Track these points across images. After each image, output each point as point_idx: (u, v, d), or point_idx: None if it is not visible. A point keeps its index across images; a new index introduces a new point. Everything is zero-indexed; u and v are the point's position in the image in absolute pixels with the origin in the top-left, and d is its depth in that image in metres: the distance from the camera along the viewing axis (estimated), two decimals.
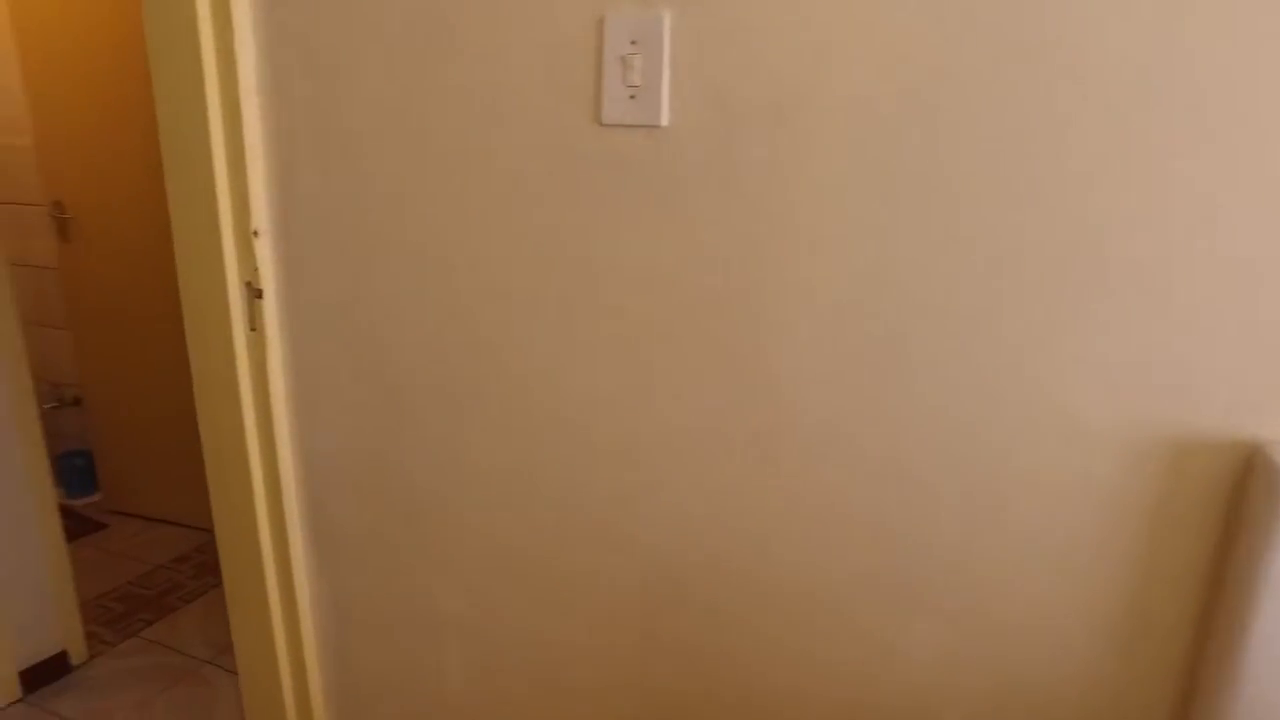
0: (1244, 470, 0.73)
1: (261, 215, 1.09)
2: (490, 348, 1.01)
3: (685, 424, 0.93)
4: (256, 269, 1.10)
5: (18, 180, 2.81)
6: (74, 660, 2.09)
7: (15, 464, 1.91)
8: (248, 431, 1.16)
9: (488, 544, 1.09)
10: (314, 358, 1.12)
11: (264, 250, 1.10)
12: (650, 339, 0.92)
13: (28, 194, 2.81)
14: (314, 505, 1.19)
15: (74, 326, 2.79)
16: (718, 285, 0.88)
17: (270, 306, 1.11)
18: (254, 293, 1.11)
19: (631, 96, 0.87)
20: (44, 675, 2.02)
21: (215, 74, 1.04)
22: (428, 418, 1.07)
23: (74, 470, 2.99)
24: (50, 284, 2.90)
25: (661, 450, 0.95)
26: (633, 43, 0.85)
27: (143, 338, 2.66)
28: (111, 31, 2.38)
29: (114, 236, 2.59)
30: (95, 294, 2.69)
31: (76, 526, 2.82)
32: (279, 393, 1.15)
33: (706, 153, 0.85)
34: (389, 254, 1.03)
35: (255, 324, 1.12)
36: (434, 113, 0.96)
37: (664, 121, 0.86)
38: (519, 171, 0.93)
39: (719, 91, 0.83)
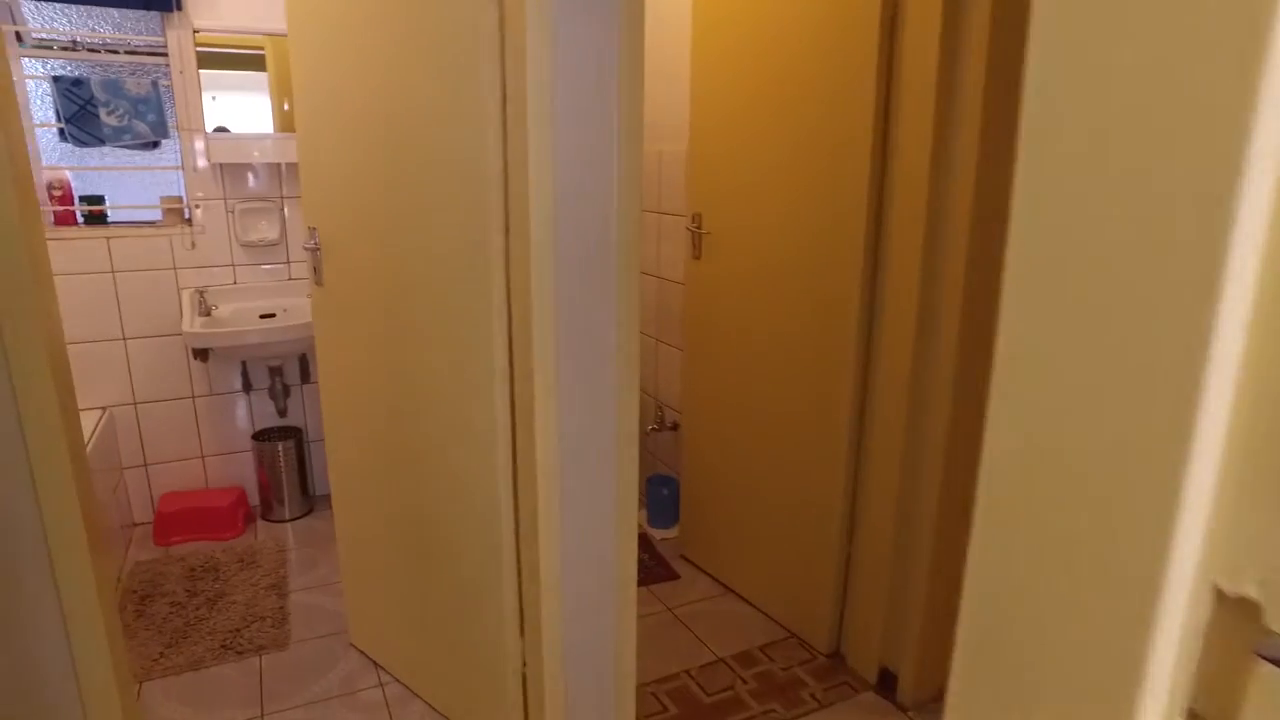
0: None
1: None
2: None
3: None
4: None
5: (671, 188, 2.64)
6: None
7: (607, 496, 1.53)
8: None
9: None
10: None
11: None
12: None
13: (675, 203, 2.62)
14: None
15: (688, 349, 2.51)
16: None
17: None
18: None
19: None
20: None
21: None
22: None
23: (660, 499, 2.78)
24: (676, 300, 2.70)
25: None
26: None
27: (748, 381, 2.23)
28: (772, 36, 1.93)
29: (739, 264, 2.19)
30: (710, 319, 2.35)
31: (651, 564, 2.58)
32: None
33: None
34: None
35: None
36: None
37: None
38: None
39: None
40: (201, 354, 2.68)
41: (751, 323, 2.19)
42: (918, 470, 1.86)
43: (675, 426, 2.80)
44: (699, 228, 2.29)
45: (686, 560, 2.62)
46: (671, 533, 2.77)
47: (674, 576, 2.53)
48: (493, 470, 1.55)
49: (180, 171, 2.66)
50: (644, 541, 2.71)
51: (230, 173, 2.68)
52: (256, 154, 2.65)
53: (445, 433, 1.63)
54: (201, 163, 2.63)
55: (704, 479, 2.51)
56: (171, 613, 2.26)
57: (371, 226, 1.66)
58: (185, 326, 2.43)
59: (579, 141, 1.28)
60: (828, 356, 1.97)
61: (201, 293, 2.61)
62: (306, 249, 1.80)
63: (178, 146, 2.63)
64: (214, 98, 2.61)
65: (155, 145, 2.65)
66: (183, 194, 2.67)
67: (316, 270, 1.82)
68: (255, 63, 2.72)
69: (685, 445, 2.59)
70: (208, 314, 2.60)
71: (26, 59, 2.60)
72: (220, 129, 2.68)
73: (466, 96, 1.37)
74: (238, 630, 2.18)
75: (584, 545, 1.54)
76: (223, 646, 2.10)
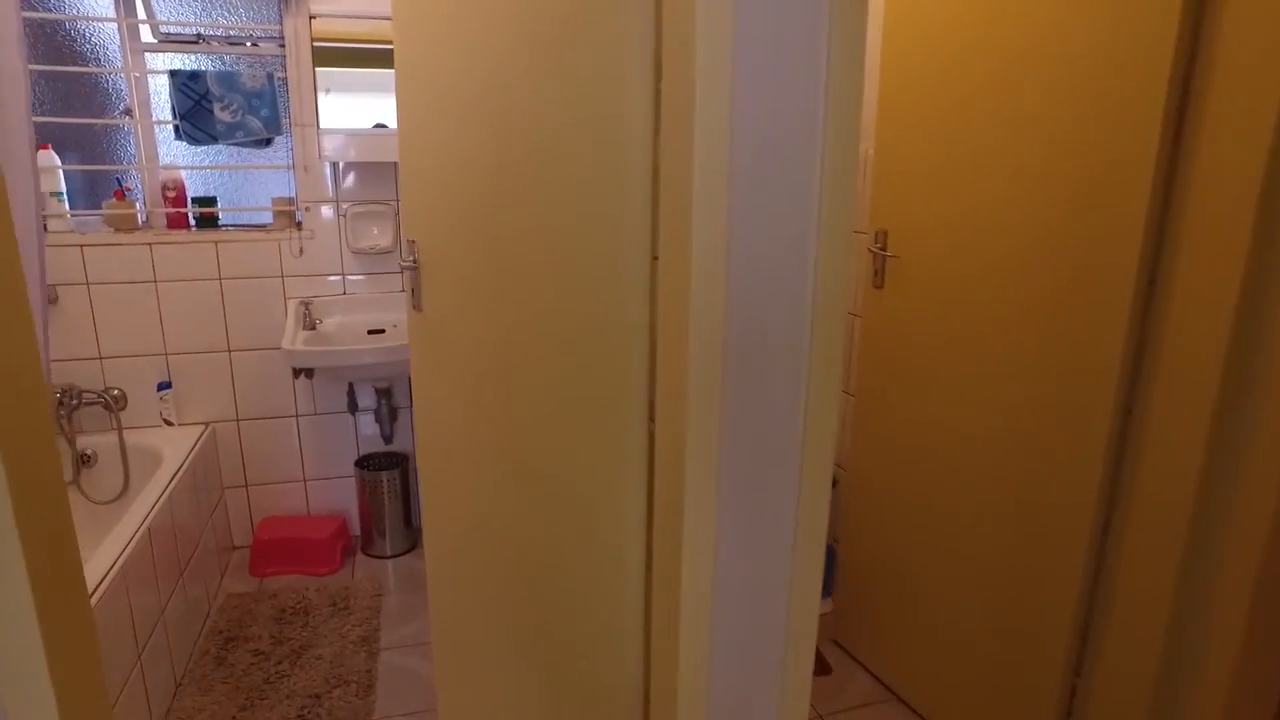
0: None
1: None
2: None
3: None
4: None
5: None
6: None
7: (774, 638, 1.10)
8: None
9: None
10: None
11: None
12: None
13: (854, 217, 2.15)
14: None
15: (859, 394, 2.05)
16: None
17: None
18: None
19: None
20: None
21: None
22: None
23: None
24: (848, 334, 2.23)
25: None
26: None
27: (936, 437, 1.74)
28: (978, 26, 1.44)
29: (934, 296, 1.70)
30: (892, 361, 1.88)
31: None
32: None
33: None
34: None
35: None
36: None
37: None
38: None
39: None
40: (306, 370, 2.45)
41: (946, 369, 1.71)
42: (1201, 577, 1.33)
43: (834, 483, 2.33)
44: (883, 249, 1.82)
45: (840, 647, 2.16)
46: (825, 606, 2.30)
47: (825, 670, 2.07)
48: (620, 581, 1.16)
49: (291, 171, 2.44)
50: None
51: (345, 174, 2.44)
52: (375, 153, 2.40)
53: (559, 516, 1.26)
54: (319, 161, 2.40)
55: (868, 549, 2.05)
56: (253, 664, 2.02)
57: (477, 242, 1.31)
58: (286, 343, 2.19)
59: (765, 135, 0.87)
60: (1056, 422, 1.46)
61: (307, 305, 2.38)
62: (404, 266, 1.47)
63: (290, 144, 2.41)
64: (328, 90, 2.37)
65: (268, 143, 2.44)
66: (293, 195, 2.46)
67: (415, 292, 1.49)
68: (382, 59, 2.46)
69: (847, 506, 2.13)
70: (313, 328, 2.36)
71: (149, 54, 2.45)
72: (379, 125, 2.46)
73: (604, 73, 0.99)
74: (318, 696, 1.90)
75: (736, 686, 1.13)
76: (299, 718, 1.82)
